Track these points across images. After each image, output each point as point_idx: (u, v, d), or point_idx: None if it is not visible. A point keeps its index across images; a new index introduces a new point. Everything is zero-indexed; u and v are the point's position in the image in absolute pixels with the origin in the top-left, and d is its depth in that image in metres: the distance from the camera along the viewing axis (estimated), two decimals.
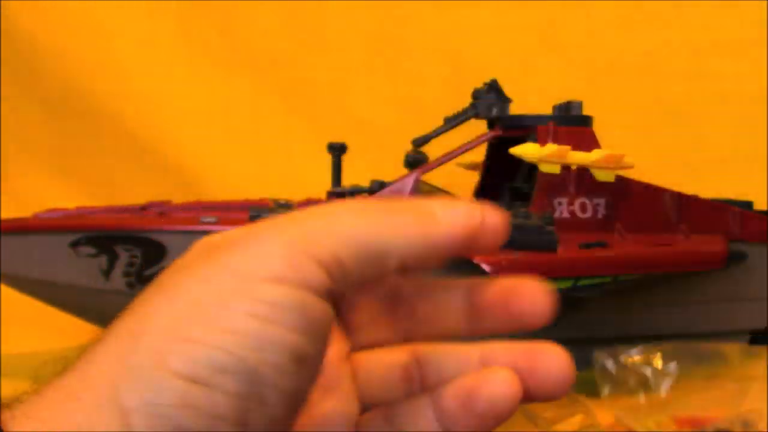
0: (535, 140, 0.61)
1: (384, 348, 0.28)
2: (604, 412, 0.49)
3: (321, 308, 0.21)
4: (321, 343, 0.22)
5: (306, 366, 0.21)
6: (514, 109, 0.63)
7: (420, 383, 0.26)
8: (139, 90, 1.00)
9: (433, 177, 0.62)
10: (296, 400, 0.21)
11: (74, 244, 0.62)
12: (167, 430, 0.19)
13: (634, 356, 0.52)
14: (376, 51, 0.95)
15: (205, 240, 0.23)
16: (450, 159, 0.63)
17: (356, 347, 0.28)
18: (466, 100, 0.63)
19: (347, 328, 0.28)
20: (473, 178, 0.72)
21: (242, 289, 0.20)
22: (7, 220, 0.68)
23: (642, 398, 0.51)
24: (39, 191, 1.05)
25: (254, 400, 0.20)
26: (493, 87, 0.62)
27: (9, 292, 0.74)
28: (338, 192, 0.65)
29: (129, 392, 0.19)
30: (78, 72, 1.00)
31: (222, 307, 0.20)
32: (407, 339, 0.27)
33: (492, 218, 0.23)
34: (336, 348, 0.28)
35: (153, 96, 1.00)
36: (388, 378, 0.27)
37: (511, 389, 0.23)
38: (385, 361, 0.27)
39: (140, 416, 0.19)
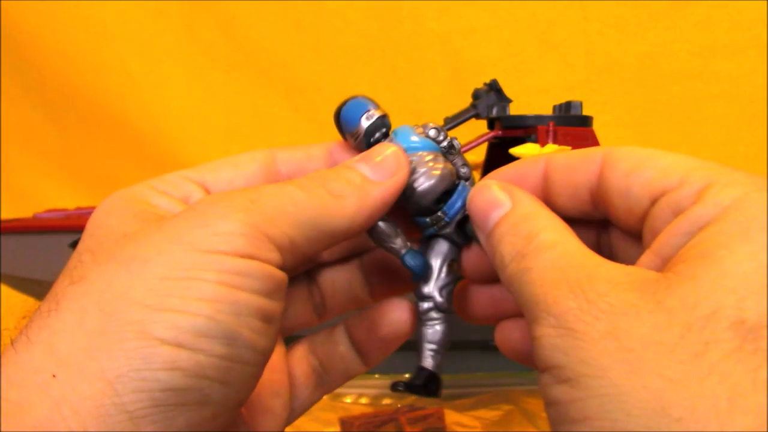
0: (535, 140, 0.60)
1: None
2: None
3: (280, 275, 0.23)
4: (282, 303, 0.24)
5: (273, 326, 0.23)
6: (514, 109, 0.63)
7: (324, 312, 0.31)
8: (140, 91, 1.00)
9: None
10: (266, 358, 0.23)
11: (74, 244, 0.62)
12: (155, 390, 0.20)
13: None
14: (376, 51, 0.95)
15: (126, 203, 0.25)
16: None
17: None
18: (466, 100, 0.63)
19: None
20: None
21: (208, 262, 0.22)
22: (7, 220, 0.68)
23: None
24: (39, 191, 1.05)
25: (234, 360, 0.22)
26: (493, 87, 0.62)
27: (9, 292, 0.74)
28: None
29: (110, 362, 0.20)
30: (79, 72, 1.01)
31: (192, 279, 0.21)
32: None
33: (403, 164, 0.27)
34: None
35: (154, 96, 1.00)
36: (302, 311, 0.31)
37: (406, 314, 0.28)
38: (295, 295, 0.31)
39: (125, 382, 0.20)
